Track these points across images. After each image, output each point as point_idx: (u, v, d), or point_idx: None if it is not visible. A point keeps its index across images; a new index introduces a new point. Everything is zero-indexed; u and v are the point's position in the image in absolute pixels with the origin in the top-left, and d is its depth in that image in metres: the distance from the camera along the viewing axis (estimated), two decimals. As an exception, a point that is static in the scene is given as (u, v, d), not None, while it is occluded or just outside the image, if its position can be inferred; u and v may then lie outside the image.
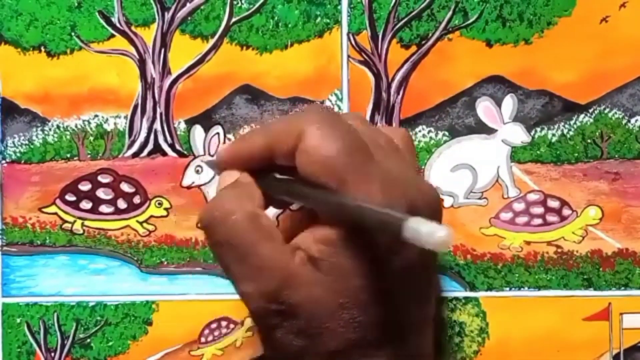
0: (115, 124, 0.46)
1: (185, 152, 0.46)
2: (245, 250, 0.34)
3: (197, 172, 0.46)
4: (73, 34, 0.45)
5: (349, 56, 0.45)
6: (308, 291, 0.33)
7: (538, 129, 0.46)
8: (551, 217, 0.46)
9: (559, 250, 0.46)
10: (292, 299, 0.33)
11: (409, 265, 0.34)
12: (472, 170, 0.46)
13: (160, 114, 0.46)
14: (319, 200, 0.34)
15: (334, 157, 0.33)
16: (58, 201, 0.46)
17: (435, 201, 0.36)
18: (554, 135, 0.45)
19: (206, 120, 0.46)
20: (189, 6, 0.45)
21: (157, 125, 0.46)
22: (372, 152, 0.34)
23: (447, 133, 0.46)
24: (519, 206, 0.46)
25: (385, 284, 0.33)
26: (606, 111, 0.45)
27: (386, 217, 0.30)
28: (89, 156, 0.46)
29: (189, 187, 0.46)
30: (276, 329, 0.34)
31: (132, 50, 0.46)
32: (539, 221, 0.46)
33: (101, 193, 0.46)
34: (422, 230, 0.28)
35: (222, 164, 0.38)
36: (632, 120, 0.45)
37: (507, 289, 0.46)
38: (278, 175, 0.36)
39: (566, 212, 0.46)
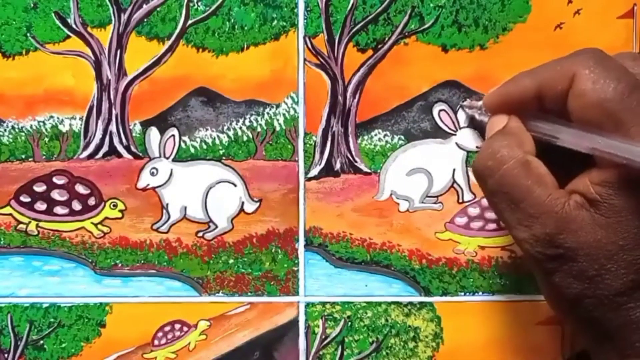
0: (70, 125, 0.46)
1: (141, 154, 0.46)
2: (519, 197, 0.35)
3: (152, 174, 0.46)
4: (29, 34, 0.45)
5: (305, 59, 0.45)
6: (586, 234, 0.34)
7: (493, 134, 0.46)
8: (506, 222, 0.46)
9: (513, 255, 0.46)
10: (569, 242, 0.34)
11: None
12: (427, 175, 0.46)
13: (116, 115, 0.46)
14: (594, 143, 0.34)
15: (610, 99, 0.33)
16: (13, 202, 0.46)
17: None
18: (508, 140, 0.45)
19: (162, 122, 0.46)
20: (145, 8, 0.45)
21: (112, 127, 0.46)
22: None
23: (402, 137, 0.46)
24: (474, 211, 0.46)
25: None
26: (560, 117, 0.45)
27: None
28: (44, 157, 0.46)
29: (144, 189, 0.46)
30: (554, 274, 0.35)
31: (88, 51, 0.45)
32: (493, 226, 0.46)
33: (56, 194, 0.46)
34: None
35: (491, 107, 0.39)
36: (586, 126, 0.45)
37: (462, 293, 0.46)
38: (545, 119, 0.37)
39: (520, 217, 0.46)
